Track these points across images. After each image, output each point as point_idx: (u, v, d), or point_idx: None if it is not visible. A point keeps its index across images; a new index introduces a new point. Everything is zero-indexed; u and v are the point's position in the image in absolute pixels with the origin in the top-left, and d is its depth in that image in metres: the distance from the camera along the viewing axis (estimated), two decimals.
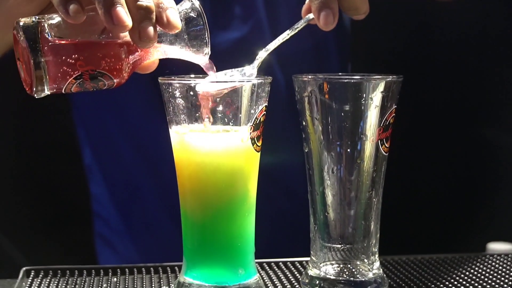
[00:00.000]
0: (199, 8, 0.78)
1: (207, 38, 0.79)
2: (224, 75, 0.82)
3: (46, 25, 0.71)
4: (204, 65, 0.80)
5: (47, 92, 0.73)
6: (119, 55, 0.74)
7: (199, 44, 0.79)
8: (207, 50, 0.79)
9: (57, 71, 0.72)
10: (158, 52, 0.78)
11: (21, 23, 0.71)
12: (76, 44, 0.73)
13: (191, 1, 0.78)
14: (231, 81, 0.80)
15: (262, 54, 0.82)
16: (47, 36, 0.71)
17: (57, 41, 0.71)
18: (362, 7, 0.83)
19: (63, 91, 0.73)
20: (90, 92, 1.27)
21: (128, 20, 0.71)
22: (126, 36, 0.75)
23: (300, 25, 0.84)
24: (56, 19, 0.73)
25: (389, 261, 0.98)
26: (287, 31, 0.83)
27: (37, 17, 0.72)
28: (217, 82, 0.79)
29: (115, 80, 0.75)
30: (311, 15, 0.83)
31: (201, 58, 0.80)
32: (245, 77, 0.81)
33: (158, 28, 0.75)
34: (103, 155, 1.30)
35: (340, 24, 1.34)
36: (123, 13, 0.70)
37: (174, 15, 0.75)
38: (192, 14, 0.78)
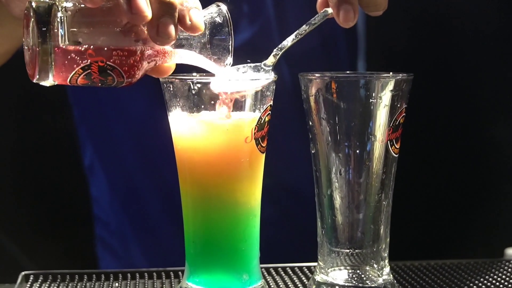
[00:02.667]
0: (226, 14, 0.75)
1: (230, 47, 0.75)
2: (236, 71, 0.78)
3: (60, 8, 0.68)
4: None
5: (51, 80, 0.69)
6: (133, 51, 0.71)
7: (221, 52, 0.75)
8: (229, 60, 0.76)
9: (64, 58, 0.68)
10: (176, 55, 0.75)
11: (33, 4, 0.68)
12: (88, 32, 0.69)
13: (219, 5, 0.75)
14: (251, 81, 0.77)
15: (278, 51, 0.79)
16: (59, 20, 0.67)
17: (68, 27, 0.68)
18: (382, 3, 0.80)
19: (68, 81, 0.70)
20: (92, 92, 1.27)
21: (147, 11, 0.67)
22: (145, 33, 0.71)
23: (318, 20, 0.79)
24: (71, 2, 0.69)
25: (400, 267, 0.95)
26: (304, 27, 0.79)
27: None
28: (236, 81, 0.76)
29: (125, 77, 0.71)
30: (329, 10, 0.79)
31: (221, 68, 0.76)
32: (265, 76, 0.78)
33: (180, 30, 0.71)
34: (105, 156, 1.29)
35: None
36: (143, 2, 0.67)
37: (198, 16, 0.71)
38: (218, 20, 0.75)
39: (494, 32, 1.36)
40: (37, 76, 0.68)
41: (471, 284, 0.89)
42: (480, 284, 0.89)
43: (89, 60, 0.69)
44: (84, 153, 1.32)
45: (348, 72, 0.84)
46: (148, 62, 0.73)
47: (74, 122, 1.33)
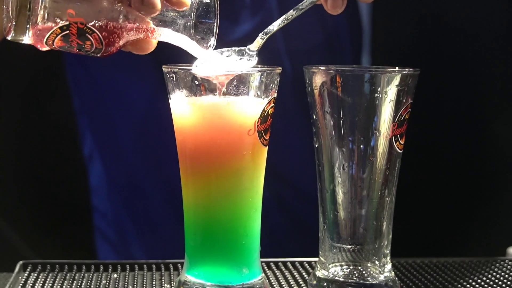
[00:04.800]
0: (214, 3, 0.74)
1: (215, 29, 0.74)
2: (220, 55, 0.77)
3: None
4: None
5: (27, 38, 0.66)
6: (115, 18, 0.69)
7: (205, 32, 0.74)
8: (213, 41, 0.74)
9: (43, 15, 0.66)
10: (158, 33, 0.73)
11: None
12: None
13: None
14: (232, 71, 0.75)
15: (263, 35, 0.77)
16: None
17: None
18: None
19: (44, 42, 0.67)
20: (93, 82, 1.26)
21: None
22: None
23: (305, 5, 0.78)
24: None
25: (402, 264, 0.94)
26: (291, 12, 0.78)
27: None
28: (218, 67, 0.75)
29: (103, 44, 0.69)
30: None
31: (203, 50, 0.75)
32: (248, 65, 0.77)
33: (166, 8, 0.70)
34: (104, 145, 1.27)
35: (353, 15, 1.30)
36: None
37: None
38: (205, 0, 0.74)
39: (501, 28, 1.35)
40: (13, 34, 0.66)
41: (473, 283, 0.88)
42: (482, 282, 0.88)
43: (68, 20, 0.67)
44: (83, 143, 1.31)
45: (353, 66, 0.83)
46: (129, 34, 0.71)
47: (74, 112, 1.33)
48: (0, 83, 1.40)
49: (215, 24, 0.74)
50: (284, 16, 0.78)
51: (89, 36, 0.68)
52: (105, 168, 1.28)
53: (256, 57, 0.77)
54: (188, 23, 0.73)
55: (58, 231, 1.42)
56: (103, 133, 1.28)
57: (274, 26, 0.78)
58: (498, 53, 1.36)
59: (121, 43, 0.71)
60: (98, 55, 0.71)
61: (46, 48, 0.69)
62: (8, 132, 1.44)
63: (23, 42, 0.67)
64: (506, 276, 0.90)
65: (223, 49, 0.77)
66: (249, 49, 0.78)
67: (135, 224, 1.27)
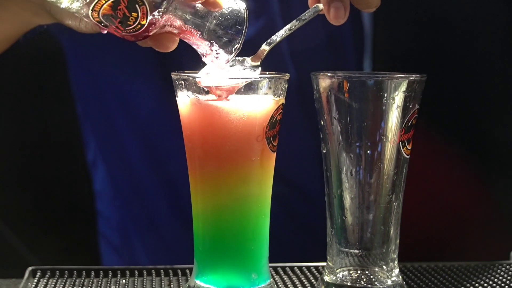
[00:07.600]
0: (244, 11, 0.75)
1: (243, 34, 0.74)
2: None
3: None
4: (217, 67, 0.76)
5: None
6: (161, 2, 0.68)
7: (232, 36, 0.74)
8: (238, 46, 0.75)
9: None
10: (186, 30, 0.73)
11: None
12: None
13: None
14: (240, 78, 0.76)
15: (266, 46, 0.78)
16: None
17: None
18: (374, 1, 0.79)
19: (91, 7, 0.65)
20: (96, 87, 1.25)
21: None
22: None
23: (308, 16, 0.79)
24: None
25: (409, 268, 0.94)
26: (294, 22, 0.79)
27: None
28: (224, 77, 0.76)
29: (147, 21, 0.68)
30: (320, 6, 0.79)
31: (220, 60, 0.75)
32: (253, 74, 0.77)
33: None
34: (108, 150, 1.27)
35: (356, 18, 1.31)
36: None
37: None
38: (234, 7, 0.74)
39: (502, 32, 1.36)
40: None
41: (479, 286, 0.88)
42: (487, 286, 0.88)
43: None
44: (87, 148, 1.31)
45: (360, 72, 0.83)
46: (166, 22, 0.71)
47: (78, 117, 1.33)
48: (4, 88, 1.40)
49: (243, 30, 0.74)
50: (287, 26, 0.78)
51: (138, 7, 0.67)
52: (109, 173, 1.28)
53: (260, 67, 0.78)
54: (217, 26, 0.74)
55: (63, 236, 1.42)
56: (106, 138, 1.28)
57: (277, 37, 0.78)
58: (501, 57, 1.36)
59: (156, 29, 0.70)
60: (132, 35, 0.70)
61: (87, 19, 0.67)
62: (12, 138, 1.44)
63: (61, 6, 0.66)
64: (511, 279, 0.91)
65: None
66: (252, 59, 0.78)
67: (139, 229, 1.27)
